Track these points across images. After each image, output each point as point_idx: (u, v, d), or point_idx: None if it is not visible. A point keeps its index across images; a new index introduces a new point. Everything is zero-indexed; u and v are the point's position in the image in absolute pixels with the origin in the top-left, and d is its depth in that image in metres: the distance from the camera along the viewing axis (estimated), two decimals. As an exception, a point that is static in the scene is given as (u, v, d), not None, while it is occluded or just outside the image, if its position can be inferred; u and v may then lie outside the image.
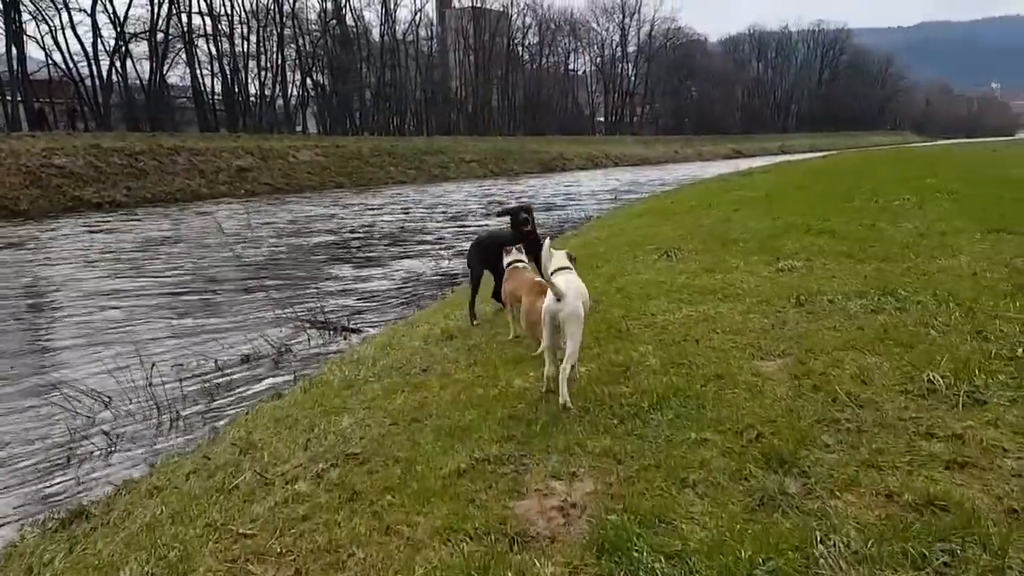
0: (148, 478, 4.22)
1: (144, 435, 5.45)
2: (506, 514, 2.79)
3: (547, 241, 4.72)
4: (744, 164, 42.41)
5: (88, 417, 5.70)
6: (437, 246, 15.93)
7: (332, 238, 17.94)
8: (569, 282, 4.07)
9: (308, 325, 8.07)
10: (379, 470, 3.37)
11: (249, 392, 6.28)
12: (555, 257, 4.48)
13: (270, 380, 6.56)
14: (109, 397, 6.03)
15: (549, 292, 3.92)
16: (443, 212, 24.35)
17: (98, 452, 5.12)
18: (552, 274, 4.29)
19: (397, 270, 13.00)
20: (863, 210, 10.83)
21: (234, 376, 6.72)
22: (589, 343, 4.73)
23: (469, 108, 76.66)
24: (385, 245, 16.68)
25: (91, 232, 19.64)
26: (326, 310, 8.89)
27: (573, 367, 3.93)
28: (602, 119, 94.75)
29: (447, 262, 13.40)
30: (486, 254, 6.19)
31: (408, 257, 14.54)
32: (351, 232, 19.20)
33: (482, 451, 3.36)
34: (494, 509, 2.84)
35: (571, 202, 27.22)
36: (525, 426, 3.62)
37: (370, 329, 8.21)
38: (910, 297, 5.30)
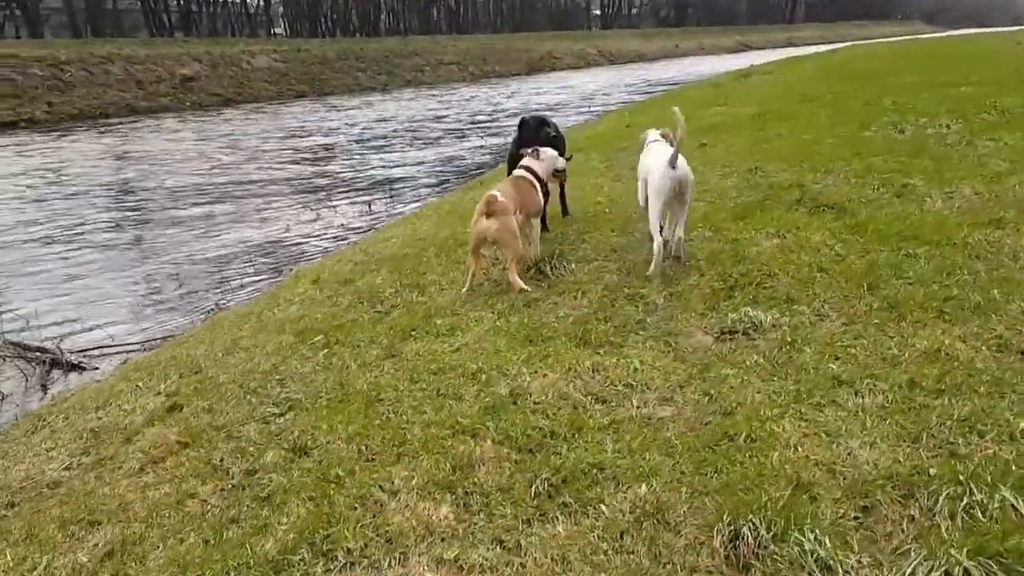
0: None
1: None
2: None
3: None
4: (749, 59, 37.56)
5: None
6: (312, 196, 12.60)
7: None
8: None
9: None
10: None
11: None
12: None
13: None
14: None
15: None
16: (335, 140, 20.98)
17: None
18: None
19: (218, 240, 9.75)
20: (886, 150, 7.18)
21: None
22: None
23: (452, 3, 70.90)
24: (224, 197, 13.00)
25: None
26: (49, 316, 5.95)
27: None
28: (598, 12, 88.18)
29: (286, 231, 10.21)
30: None
31: (245, 219, 11.13)
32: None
33: None
34: None
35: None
36: None
37: (107, 360, 5.30)
38: None
